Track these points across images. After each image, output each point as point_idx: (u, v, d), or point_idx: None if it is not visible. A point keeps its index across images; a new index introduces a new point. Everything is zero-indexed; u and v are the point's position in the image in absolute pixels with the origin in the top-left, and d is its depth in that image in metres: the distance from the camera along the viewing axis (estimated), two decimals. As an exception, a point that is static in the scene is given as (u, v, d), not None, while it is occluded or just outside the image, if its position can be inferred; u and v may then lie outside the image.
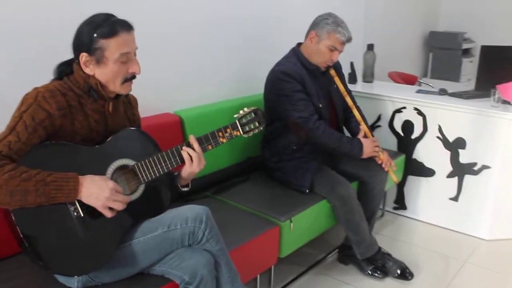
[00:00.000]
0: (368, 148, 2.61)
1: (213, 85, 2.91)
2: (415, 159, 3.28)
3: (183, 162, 1.75)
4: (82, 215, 1.53)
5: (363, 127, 2.70)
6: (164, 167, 1.71)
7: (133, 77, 1.68)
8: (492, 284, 2.62)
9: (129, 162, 1.66)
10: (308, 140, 2.57)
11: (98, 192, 1.50)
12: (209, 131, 1.81)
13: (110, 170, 1.61)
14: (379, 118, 3.39)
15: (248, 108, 1.89)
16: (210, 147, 1.81)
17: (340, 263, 2.77)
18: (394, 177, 2.72)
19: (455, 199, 3.15)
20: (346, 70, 3.51)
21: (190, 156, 1.74)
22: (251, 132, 1.89)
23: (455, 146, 3.08)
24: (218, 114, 2.64)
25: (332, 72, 2.68)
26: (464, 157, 3.06)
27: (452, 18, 5.86)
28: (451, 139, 3.09)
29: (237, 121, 1.85)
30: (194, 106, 2.73)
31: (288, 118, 2.53)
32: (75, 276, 1.59)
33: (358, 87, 3.59)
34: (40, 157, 1.49)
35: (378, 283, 2.58)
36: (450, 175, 3.15)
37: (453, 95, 3.25)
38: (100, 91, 1.63)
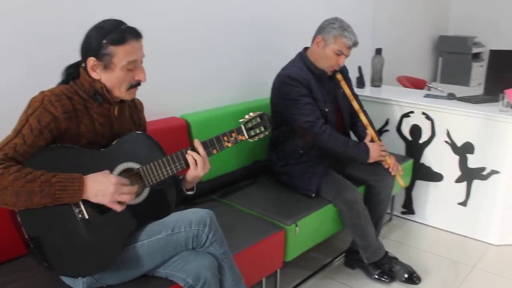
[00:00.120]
0: (374, 152, 2.61)
1: (219, 89, 2.93)
2: (423, 164, 3.26)
3: (188, 166, 1.76)
4: (86, 217, 1.55)
5: (370, 131, 2.70)
6: (169, 171, 1.72)
7: (138, 84, 1.70)
8: (501, 290, 2.61)
9: (134, 165, 1.68)
10: (315, 144, 2.57)
11: (104, 189, 1.51)
12: (215, 135, 1.82)
13: (115, 173, 1.62)
14: (387, 123, 3.39)
15: (254, 112, 1.90)
16: (215, 151, 1.82)
17: (347, 268, 2.76)
18: (401, 182, 2.71)
19: (464, 204, 3.13)
20: (354, 75, 3.52)
21: (195, 160, 1.75)
22: (257, 137, 1.90)
23: (463, 150, 3.07)
24: (224, 118, 2.65)
25: (339, 76, 2.68)
26: (473, 162, 3.04)
27: (462, 22, 5.83)
28: (459, 143, 3.07)
29: (242, 125, 1.85)
30: (200, 110, 2.74)
31: (294, 122, 2.53)
32: (80, 278, 1.60)
33: (366, 91, 3.58)
34: (45, 159, 1.51)
35: (385, 288, 2.58)
36: (458, 180, 3.13)
37: (462, 99, 3.24)
38: (106, 95, 1.65)
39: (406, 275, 2.58)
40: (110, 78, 1.63)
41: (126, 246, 1.65)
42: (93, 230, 1.56)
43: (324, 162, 2.62)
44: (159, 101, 2.54)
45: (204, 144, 1.79)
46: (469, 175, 3.07)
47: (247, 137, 1.86)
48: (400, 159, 3.11)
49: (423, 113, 3.19)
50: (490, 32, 5.59)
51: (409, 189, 3.37)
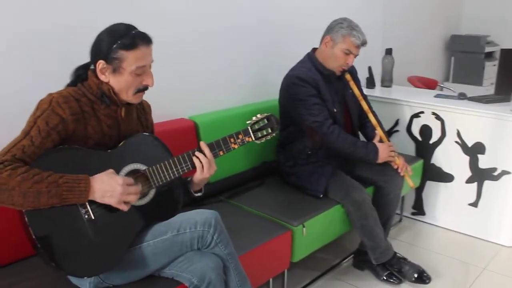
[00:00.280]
0: (383, 152, 2.60)
1: (228, 91, 2.94)
2: (433, 164, 3.24)
3: (194, 167, 1.77)
4: (93, 217, 1.57)
5: (379, 132, 2.69)
6: (175, 172, 1.74)
7: (146, 88, 1.72)
8: (512, 292, 2.58)
9: (141, 166, 1.69)
10: (323, 144, 2.57)
11: (111, 190, 1.53)
12: (222, 136, 1.83)
13: (122, 174, 1.64)
14: (397, 123, 3.37)
15: (261, 114, 1.90)
16: (221, 152, 1.82)
17: (356, 269, 2.75)
18: (410, 182, 2.69)
19: (475, 204, 3.11)
20: (364, 75, 3.52)
21: (201, 163, 1.76)
22: (264, 138, 1.90)
23: (474, 151, 3.04)
24: (232, 119, 2.66)
25: (348, 76, 2.67)
26: (484, 162, 3.02)
27: (474, 21, 5.76)
28: (470, 144, 3.05)
29: (249, 127, 1.86)
30: (208, 111, 2.75)
31: (303, 122, 2.54)
32: (86, 278, 1.62)
33: (376, 91, 3.57)
34: (53, 161, 1.53)
35: (394, 289, 2.58)
36: (469, 181, 3.10)
37: (472, 99, 3.21)
38: (113, 97, 1.67)
39: (415, 275, 2.57)
40: (118, 81, 1.65)
41: (132, 247, 1.66)
42: (99, 231, 1.58)
43: (332, 162, 2.61)
44: (167, 103, 2.56)
45: (211, 146, 1.80)
46: (480, 175, 3.05)
47: (253, 138, 1.87)
48: (410, 160, 3.10)
49: (433, 113, 3.17)
50: (503, 31, 5.52)
51: (419, 190, 3.35)
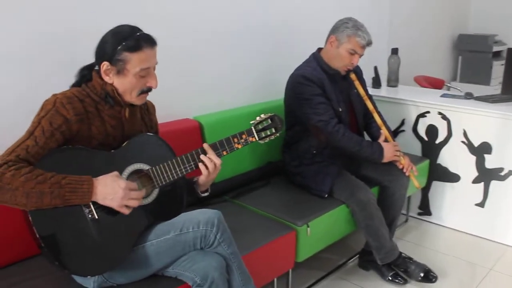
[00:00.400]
0: (389, 152, 2.59)
1: (233, 91, 2.94)
2: (439, 164, 3.23)
3: (197, 167, 1.78)
4: (96, 217, 1.58)
5: (384, 131, 2.68)
6: (179, 172, 1.74)
7: (150, 90, 1.73)
8: (518, 293, 2.56)
9: (144, 166, 1.70)
10: (328, 143, 2.57)
11: (113, 193, 1.54)
12: (225, 136, 1.83)
13: (125, 174, 1.65)
14: (403, 123, 3.36)
15: (265, 114, 1.91)
16: (225, 152, 1.83)
17: (361, 269, 2.75)
18: (415, 182, 2.68)
19: (481, 205, 3.09)
20: (370, 75, 3.51)
21: (205, 165, 1.77)
22: (267, 138, 1.90)
23: (480, 151, 3.02)
24: (237, 119, 2.66)
25: (353, 76, 2.67)
26: (490, 162, 3.00)
27: (482, 20, 5.73)
28: (476, 143, 3.03)
29: (252, 127, 1.86)
30: (213, 111, 2.76)
31: (308, 121, 2.54)
32: (89, 277, 1.63)
33: (382, 91, 3.56)
34: (57, 161, 1.54)
35: (399, 290, 2.57)
36: (475, 181, 3.08)
37: (479, 99, 3.19)
38: (117, 97, 1.68)
39: (422, 274, 2.56)
40: (122, 83, 1.66)
41: (135, 246, 1.67)
42: (103, 230, 1.59)
43: (337, 162, 2.61)
44: (172, 103, 2.57)
45: (214, 146, 1.81)
46: (486, 175, 3.03)
47: (257, 138, 1.87)
48: (416, 160, 3.09)
49: (440, 113, 3.15)
50: (511, 30, 5.48)
51: (425, 190, 3.34)
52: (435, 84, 4.35)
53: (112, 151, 1.68)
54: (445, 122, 3.14)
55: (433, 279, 2.57)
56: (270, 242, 2.12)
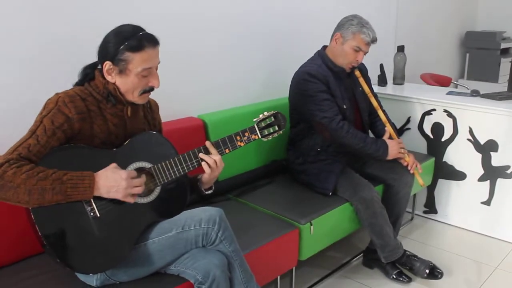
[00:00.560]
0: (393, 149, 2.58)
1: (236, 90, 2.94)
2: (445, 162, 3.21)
3: (199, 165, 1.78)
4: (98, 215, 1.59)
5: (388, 128, 2.67)
6: (181, 170, 1.75)
7: (152, 89, 1.73)
8: (524, 291, 2.55)
9: (146, 164, 1.71)
10: (333, 140, 2.56)
11: (116, 185, 1.55)
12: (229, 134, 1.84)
13: (127, 172, 1.66)
14: (408, 121, 3.34)
15: (268, 112, 1.91)
16: (227, 150, 1.84)
17: (365, 267, 2.74)
18: (420, 180, 2.66)
19: (487, 203, 3.07)
20: (376, 72, 3.49)
21: (208, 164, 1.78)
22: (270, 136, 1.91)
23: (486, 148, 3.00)
24: (241, 118, 2.66)
25: (357, 73, 2.66)
26: (496, 160, 2.98)
27: (490, 17, 5.68)
28: (482, 141, 3.01)
29: (255, 125, 1.87)
30: (217, 110, 2.76)
31: (312, 118, 2.54)
32: (91, 274, 1.65)
33: (388, 89, 3.55)
34: (59, 159, 1.55)
35: (403, 288, 2.56)
36: (481, 179, 3.06)
37: (485, 96, 3.17)
38: (119, 96, 1.69)
39: (427, 271, 2.53)
40: (124, 82, 1.67)
41: (137, 244, 1.68)
42: (105, 228, 1.60)
43: (341, 160, 2.61)
44: (176, 102, 2.58)
45: (217, 144, 1.81)
46: (492, 173, 3.01)
47: (260, 136, 1.88)
48: (421, 158, 3.08)
49: (445, 111, 3.13)
50: (520, 27, 5.45)
51: (431, 188, 3.32)
52: (442, 81, 4.32)
53: (114, 149, 1.69)
54: (451, 120, 3.12)
55: (439, 275, 2.54)
56: (273, 240, 2.12)
